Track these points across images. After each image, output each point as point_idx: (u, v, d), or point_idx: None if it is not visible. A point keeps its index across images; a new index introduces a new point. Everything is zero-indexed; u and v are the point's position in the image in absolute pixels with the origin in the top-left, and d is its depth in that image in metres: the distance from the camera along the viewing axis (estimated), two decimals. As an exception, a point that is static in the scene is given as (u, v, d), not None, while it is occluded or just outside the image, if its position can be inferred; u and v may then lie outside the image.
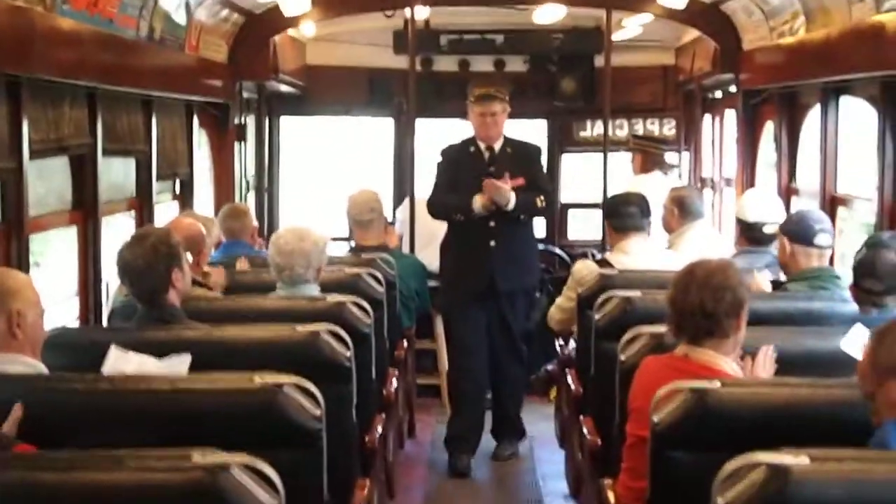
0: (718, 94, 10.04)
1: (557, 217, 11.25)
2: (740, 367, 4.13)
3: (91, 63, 5.56)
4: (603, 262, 6.64)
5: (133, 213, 6.98)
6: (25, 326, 3.70)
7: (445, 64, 11.01)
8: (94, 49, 5.56)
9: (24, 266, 4.94)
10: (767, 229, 6.29)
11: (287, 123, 11.14)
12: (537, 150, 7.73)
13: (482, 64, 11.02)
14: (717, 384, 3.63)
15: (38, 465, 2.87)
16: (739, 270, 4.21)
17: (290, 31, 9.40)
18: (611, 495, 4.37)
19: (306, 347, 4.45)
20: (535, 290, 8.28)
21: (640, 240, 6.65)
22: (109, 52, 5.79)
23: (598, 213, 7.30)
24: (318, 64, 10.84)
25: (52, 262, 6.68)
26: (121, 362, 4.07)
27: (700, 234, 6.98)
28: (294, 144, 11.45)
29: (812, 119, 7.59)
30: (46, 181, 5.79)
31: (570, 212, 11.57)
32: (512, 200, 7.20)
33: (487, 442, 7.87)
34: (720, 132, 10.20)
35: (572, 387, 6.36)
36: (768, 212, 6.40)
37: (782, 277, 5.70)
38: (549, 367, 8.92)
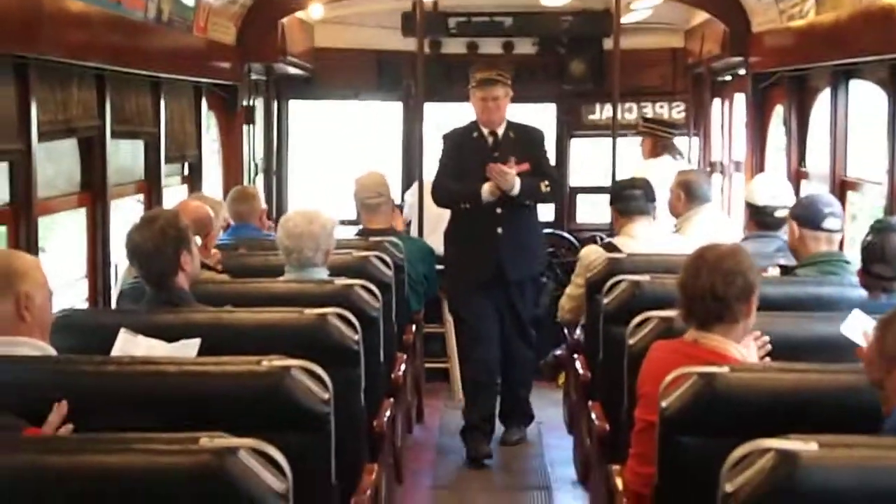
0: (728, 77, 10.01)
1: (566, 201, 11.25)
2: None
3: (99, 44, 5.55)
4: (609, 247, 6.63)
5: (142, 195, 6.98)
6: (33, 309, 3.69)
7: (454, 46, 10.97)
8: (102, 30, 5.55)
9: (32, 248, 4.94)
10: (777, 213, 6.26)
11: (295, 107, 11.12)
12: (540, 133, 7.68)
13: (491, 46, 10.99)
14: (725, 369, 3.63)
15: (46, 448, 2.88)
16: (750, 255, 4.20)
17: (299, 14, 9.38)
18: (619, 481, 4.36)
19: (315, 331, 4.44)
20: (541, 276, 8.27)
21: (645, 223, 6.65)
22: (118, 34, 5.78)
23: (607, 197, 7.27)
24: (326, 46, 10.81)
25: (55, 246, 6.66)
26: (130, 346, 4.08)
27: (707, 219, 6.95)
28: (302, 127, 11.43)
29: (822, 102, 7.56)
30: (55, 163, 5.79)
31: (580, 196, 11.54)
32: (517, 186, 7.17)
33: (496, 427, 7.87)
34: (729, 115, 10.17)
35: (580, 372, 6.36)
36: (778, 196, 6.37)
37: (793, 262, 5.68)
38: (558, 352, 8.92)
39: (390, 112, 11.43)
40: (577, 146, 11.67)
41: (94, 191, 6.02)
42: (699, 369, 3.62)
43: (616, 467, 4.47)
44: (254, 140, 9.30)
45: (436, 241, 8.08)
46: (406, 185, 10.47)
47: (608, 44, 9.85)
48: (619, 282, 5.45)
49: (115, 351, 4.07)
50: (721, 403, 3.57)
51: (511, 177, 7.14)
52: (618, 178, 8.04)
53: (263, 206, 7.73)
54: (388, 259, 6.32)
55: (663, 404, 3.63)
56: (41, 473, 2.73)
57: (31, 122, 4.93)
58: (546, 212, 10.38)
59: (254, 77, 9.13)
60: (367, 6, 10.30)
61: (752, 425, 3.12)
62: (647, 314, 4.60)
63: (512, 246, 7.38)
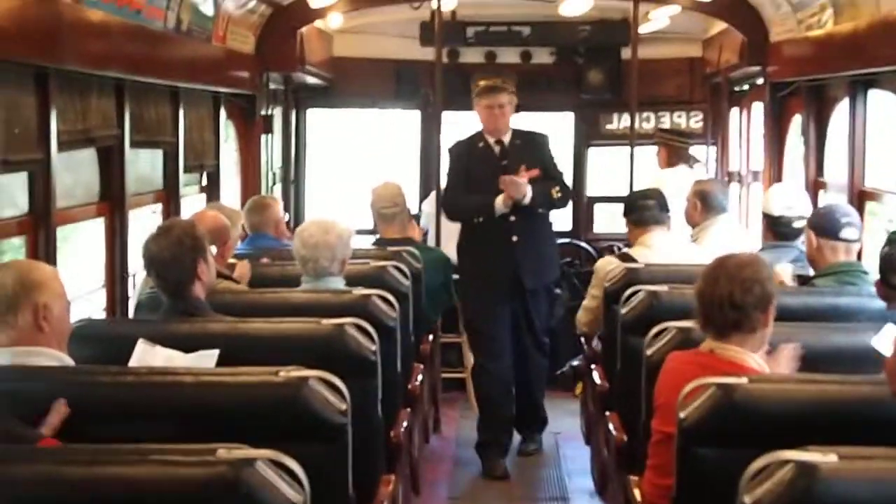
0: (745, 86, 9.99)
1: (584, 210, 11.24)
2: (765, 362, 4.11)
3: (119, 54, 5.57)
4: (625, 257, 6.62)
5: (160, 205, 6.99)
6: (52, 319, 3.69)
7: (472, 56, 10.96)
8: (121, 40, 5.57)
9: (51, 258, 4.95)
10: (794, 224, 6.24)
11: (313, 116, 11.14)
12: (546, 138, 7.66)
13: (509, 56, 10.99)
14: (744, 380, 3.61)
15: (62, 459, 2.88)
16: (768, 266, 4.19)
17: (317, 23, 9.41)
18: (637, 492, 4.34)
19: (331, 341, 4.43)
20: (555, 287, 8.26)
21: (660, 233, 6.63)
22: (137, 44, 5.80)
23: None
24: (344, 56, 10.84)
25: (69, 261, 6.64)
26: (148, 356, 4.09)
27: (723, 229, 6.93)
28: (320, 137, 11.45)
29: (840, 112, 7.53)
30: (74, 173, 5.80)
31: (597, 205, 11.53)
32: (529, 194, 7.17)
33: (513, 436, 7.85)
34: (747, 125, 10.14)
35: (598, 382, 6.33)
36: (795, 206, 6.34)
37: (811, 273, 5.66)
38: (575, 362, 8.90)
39: (408, 121, 11.43)
40: (595, 155, 11.64)
41: (112, 200, 6.03)
42: (718, 380, 3.60)
43: (634, 478, 4.45)
44: (272, 149, 9.31)
45: (453, 250, 8.06)
46: (423, 195, 10.47)
47: (626, 53, 9.86)
48: (636, 292, 5.43)
49: (134, 361, 4.07)
50: (740, 414, 3.55)
51: (524, 186, 7.13)
52: (635, 187, 8.02)
53: (281, 214, 7.72)
54: (405, 269, 6.31)
55: (681, 415, 3.61)
56: (58, 484, 2.73)
57: (51, 131, 4.95)
58: (563, 221, 10.37)
59: (272, 86, 9.14)
60: (385, 16, 10.32)
61: (771, 437, 3.11)
62: (664, 324, 4.58)
63: (528, 254, 7.38)
